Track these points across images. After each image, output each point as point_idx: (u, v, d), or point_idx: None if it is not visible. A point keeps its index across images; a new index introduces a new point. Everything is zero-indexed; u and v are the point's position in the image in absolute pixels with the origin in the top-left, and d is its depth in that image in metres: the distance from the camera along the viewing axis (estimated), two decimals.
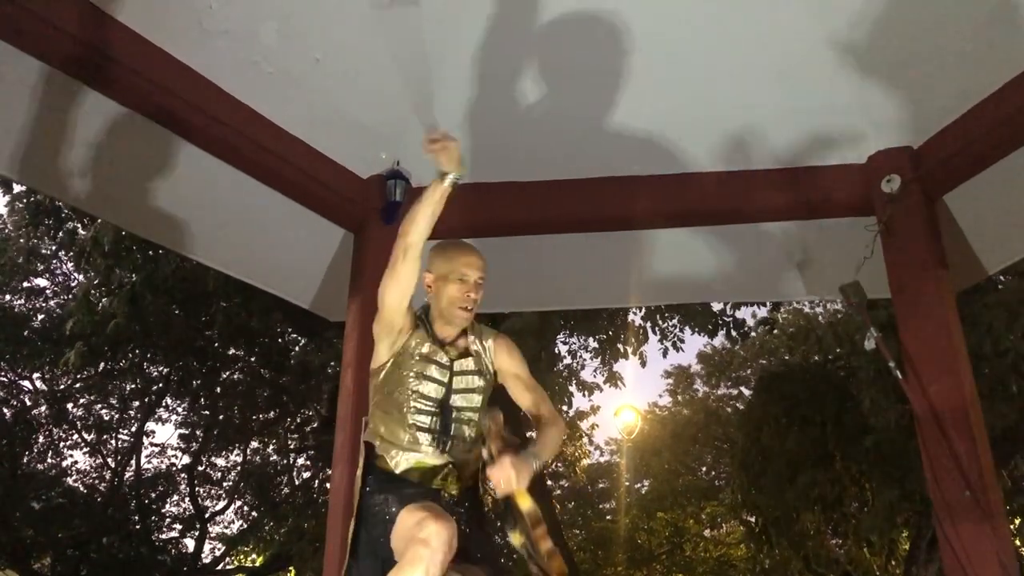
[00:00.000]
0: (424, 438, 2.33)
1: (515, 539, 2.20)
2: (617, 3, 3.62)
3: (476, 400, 2.44)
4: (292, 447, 16.31)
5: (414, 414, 2.34)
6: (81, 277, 11.91)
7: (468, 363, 2.46)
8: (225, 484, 16.94)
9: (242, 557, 17.96)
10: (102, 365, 13.26)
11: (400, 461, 2.32)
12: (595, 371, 12.51)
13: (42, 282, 13.81)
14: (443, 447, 2.34)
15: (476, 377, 2.46)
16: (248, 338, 12.39)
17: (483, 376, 2.48)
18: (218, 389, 14.51)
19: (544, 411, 2.49)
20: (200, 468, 16.36)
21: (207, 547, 16.48)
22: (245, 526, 16.83)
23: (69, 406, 15.19)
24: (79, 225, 9.67)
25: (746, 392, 17.67)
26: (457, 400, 2.39)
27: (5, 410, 14.22)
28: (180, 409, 15.71)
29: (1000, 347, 7.41)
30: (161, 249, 8.74)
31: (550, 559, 2.09)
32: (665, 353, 10.97)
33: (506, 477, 2.10)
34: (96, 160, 3.63)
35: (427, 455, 2.33)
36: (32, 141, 3.48)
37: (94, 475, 16.04)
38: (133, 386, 14.88)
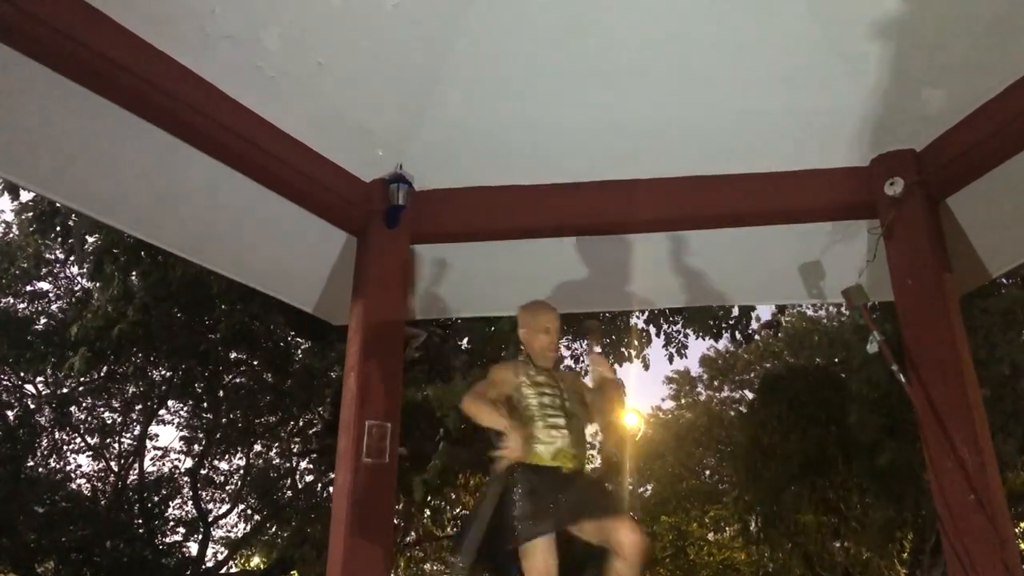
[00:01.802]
0: (558, 433, 3.08)
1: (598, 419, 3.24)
2: (620, 6, 3.62)
3: (581, 411, 3.22)
4: (295, 451, 16.32)
5: (549, 417, 3.10)
6: (85, 281, 11.94)
7: (565, 380, 3.31)
8: (228, 488, 16.95)
9: (245, 561, 17.97)
10: (105, 368, 13.28)
11: (543, 451, 3.04)
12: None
13: (45, 285, 13.84)
14: (568, 435, 3.09)
15: (571, 389, 3.28)
16: (251, 342, 12.41)
17: (580, 398, 3.29)
18: (221, 393, 14.53)
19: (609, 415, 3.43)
20: (203, 471, 16.37)
21: (210, 550, 16.49)
22: (248, 530, 16.84)
23: (72, 409, 15.21)
24: (85, 231, 9.68)
25: (749, 395, 17.66)
26: (569, 405, 3.18)
27: (8, 414, 14.24)
28: (183, 412, 15.74)
29: (996, 354, 7.41)
30: (164, 254, 8.77)
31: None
32: (671, 359, 10.98)
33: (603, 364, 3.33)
34: (99, 164, 3.64)
35: (561, 443, 3.07)
36: (35, 145, 3.49)
37: (97, 478, 16.07)
38: (136, 389, 14.90)
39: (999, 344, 7.50)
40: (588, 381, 3.43)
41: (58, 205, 9.12)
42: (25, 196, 9.84)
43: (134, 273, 9.22)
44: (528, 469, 2.98)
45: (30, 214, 9.75)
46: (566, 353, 12.41)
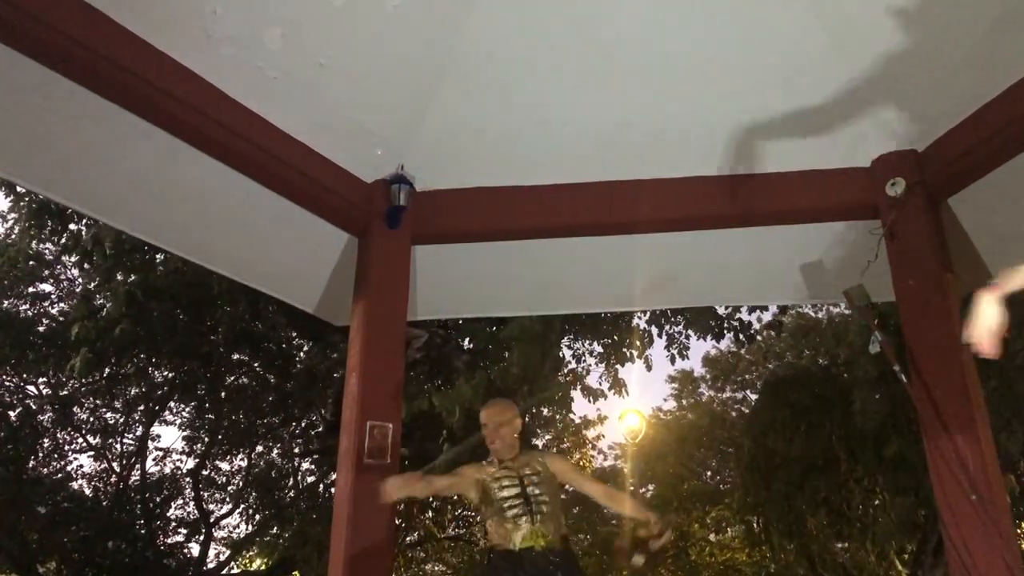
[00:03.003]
0: (522, 520, 3.26)
1: (637, 560, 3.18)
2: (620, 8, 3.62)
3: (546, 489, 3.33)
4: (297, 451, 16.33)
5: (509, 509, 3.27)
6: (83, 280, 11.95)
7: (533, 465, 3.40)
8: (230, 488, 16.96)
9: (247, 561, 17.97)
10: (107, 370, 13.28)
11: (515, 538, 3.22)
12: (600, 377, 12.48)
13: (47, 287, 13.85)
14: (532, 518, 3.26)
15: (539, 476, 3.37)
16: (253, 343, 12.41)
17: (545, 476, 3.38)
18: (223, 394, 14.53)
19: (593, 488, 3.59)
20: (205, 472, 16.38)
21: (212, 551, 16.49)
22: (250, 530, 16.84)
23: (75, 410, 15.22)
24: (83, 229, 9.69)
25: (752, 396, 17.65)
26: (531, 489, 3.31)
27: (11, 414, 14.25)
28: (185, 413, 15.74)
29: (1009, 350, 7.38)
30: (163, 253, 8.78)
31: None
32: (673, 360, 10.97)
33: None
34: (102, 164, 3.66)
35: (526, 528, 3.24)
36: (37, 146, 3.50)
37: (99, 479, 16.08)
38: (138, 390, 14.90)
39: (1011, 343, 7.48)
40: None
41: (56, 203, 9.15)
42: (21, 190, 9.86)
43: (132, 277, 9.23)
44: (500, 555, 3.25)
45: (23, 202, 9.73)
46: (567, 353, 12.41)
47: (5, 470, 13.60)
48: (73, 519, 14.48)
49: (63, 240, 9.75)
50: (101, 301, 9.93)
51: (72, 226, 9.79)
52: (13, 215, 11.14)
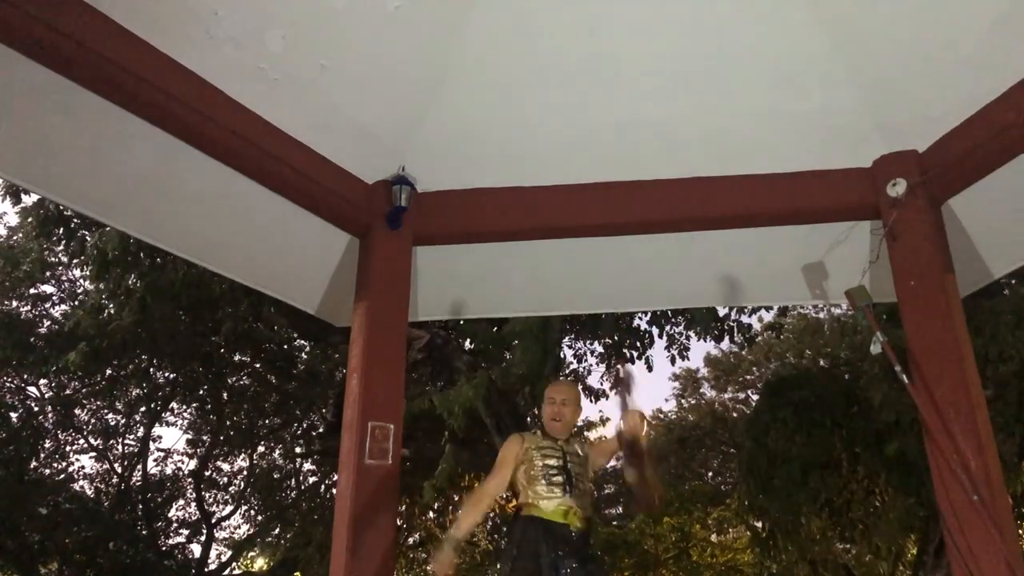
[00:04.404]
0: (559, 490, 3.42)
1: (628, 475, 3.31)
2: (622, 8, 3.62)
3: (583, 473, 3.53)
4: (298, 452, 16.35)
5: (551, 477, 3.43)
6: (88, 284, 11.96)
7: (575, 448, 3.62)
8: (231, 489, 16.98)
9: (249, 562, 17.99)
10: (108, 371, 13.30)
11: (546, 506, 3.38)
12: (601, 377, 12.49)
13: (49, 288, 13.86)
14: (569, 492, 3.42)
15: (580, 456, 3.60)
16: (254, 344, 12.42)
17: (583, 461, 3.60)
18: (224, 395, 14.55)
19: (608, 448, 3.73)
20: (207, 473, 16.40)
21: (213, 552, 16.52)
22: (252, 531, 16.86)
23: (76, 411, 15.24)
24: (87, 233, 9.70)
25: (753, 397, 17.64)
26: (572, 467, 3.49)
27: (12, 415, 14.26)
28: (186, 414, 15.76)
29: (1005, 353, 7.38)
30: (168, 256, 8.78)
31: (654, 486, 3.28)
32: (673, 361, 10.97)
33: (638, 420, 3.32)
34: (102, 165, 3.66)
35: (562, 499, 3.40)
36: (39, 148, 3.50)
37: (101, 480, 16.10)
38: (139, 391, 14.92)
39: (1007, 344, 7.46)
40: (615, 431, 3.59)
41: (62, 208, 9.16)
42: (27, 199, 9.89)
43: (133, 275, 9.24)
44: (534, 521, 3.35)
45: (32, 219, 9.76)
46: (568, 353, 12.43)
47: (7, 471, 13.62)
48: (75, 520, 14.51)
49: (71, 248, 9.77)
50: (104, 301, 9.93)
51: (80, 232, 9.81)
52: (27, 223, 11.14)
